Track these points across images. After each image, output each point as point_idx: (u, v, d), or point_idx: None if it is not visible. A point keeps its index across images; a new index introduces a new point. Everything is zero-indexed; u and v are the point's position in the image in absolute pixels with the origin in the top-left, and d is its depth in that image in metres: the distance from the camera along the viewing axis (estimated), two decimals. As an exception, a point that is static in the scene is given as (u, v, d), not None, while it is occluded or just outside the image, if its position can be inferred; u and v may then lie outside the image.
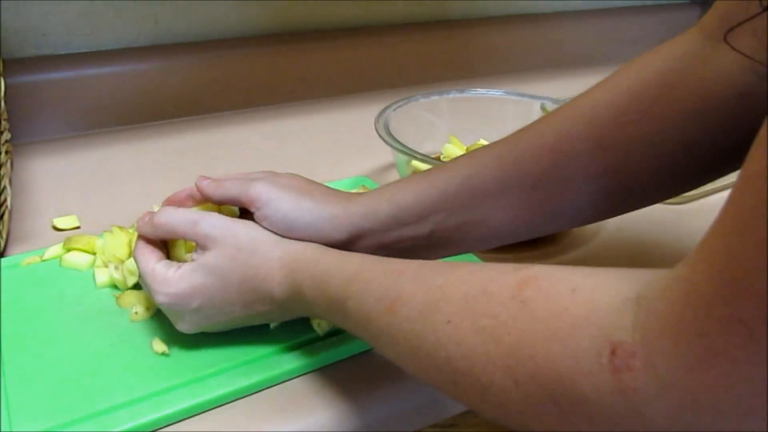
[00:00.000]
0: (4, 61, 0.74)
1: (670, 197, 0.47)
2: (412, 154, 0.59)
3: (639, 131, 0.41)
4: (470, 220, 0.43)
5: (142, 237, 0.46)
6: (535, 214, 0.43)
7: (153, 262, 0.43)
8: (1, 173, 0.59)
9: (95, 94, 0.82)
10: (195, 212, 0.44)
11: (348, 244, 0.43)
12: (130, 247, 0.53)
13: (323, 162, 0.77)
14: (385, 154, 0.74)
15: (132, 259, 0.50)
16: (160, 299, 0.42)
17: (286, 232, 0.43)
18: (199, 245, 0.43)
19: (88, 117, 0.83)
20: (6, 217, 0.58)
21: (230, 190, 0.44)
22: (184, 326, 0.44)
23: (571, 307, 0.26)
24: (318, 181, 0.69)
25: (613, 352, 0.24)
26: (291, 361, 0.43)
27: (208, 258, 0.42)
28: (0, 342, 0.45)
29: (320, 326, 0.45)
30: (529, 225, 0.45)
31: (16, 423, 0.38)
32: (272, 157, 0.78)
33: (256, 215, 0.43)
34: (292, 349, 0.45)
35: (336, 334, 0.46)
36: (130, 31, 0.85)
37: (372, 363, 0.45)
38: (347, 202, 0.44)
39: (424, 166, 0.62)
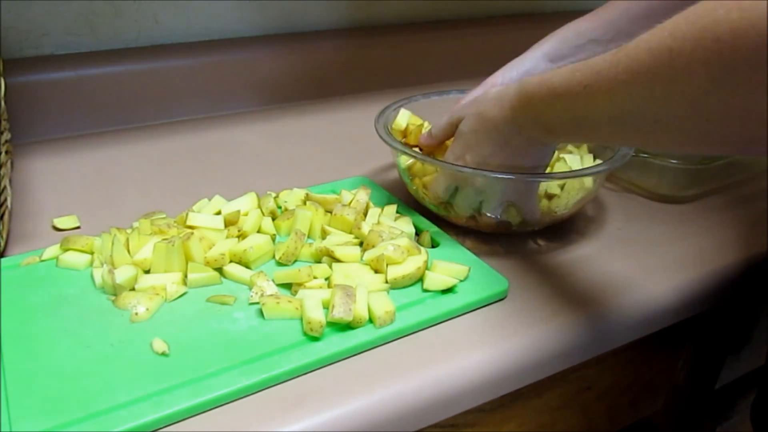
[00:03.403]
0: (4, 61, 0.75)
1: None
2: (412, 154, 0.59)
3: None
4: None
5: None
6: None
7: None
8: (1, 173, 0.59)
9: (95, 94, 0.82)
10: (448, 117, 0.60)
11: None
12: (127, 248, 0.53)
13: (323, 162, 0.77)
14: (385, 154, 0.74)
15: (126, 266, 0.51)
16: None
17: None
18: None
19: (88, 117, 0.83)
20: (6, 217, 0.58)
21: (440, 126, 0.60)
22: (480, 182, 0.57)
23: None
24: (317, 181, 0.70)
25: None
26: (291, 361, 0.43)
27: (460, 127, 0.57)
28: (0, 342, 0.45)
29: (313, 330, 0.45)
30: None
31: (16, 423, 0.38)
32: (272, 157, 0.78)
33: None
34: (292, 349, 0.45)
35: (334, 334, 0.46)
36: (130, 31, 0.86)
37: (372, 363, 0.45)
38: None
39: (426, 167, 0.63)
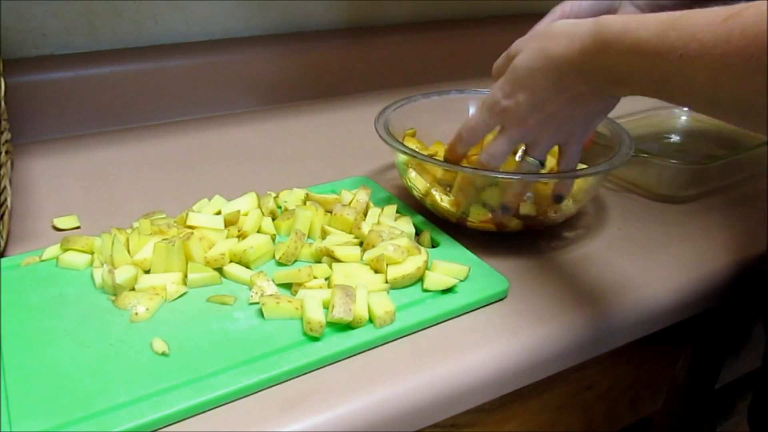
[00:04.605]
0: (4, 61, 0.74)
1: None
2: (412, 154, 0.59)
3: None
4: None
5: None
6: None
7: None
8: (1, 173, 0.59)
9: (95, 94, 0.82)
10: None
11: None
12: (127, 248, 0.53)
13: (323, 162, 0.77)
14: (385, 154, 0.74)
15: (126, 266, 0.51)
16: (487, 102, 0.53)
17: None
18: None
19: (87, 117, 0.83)
20: (6, 217, 0.58)
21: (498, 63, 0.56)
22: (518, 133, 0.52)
23: None
24: (317, 181, 0.70)
25: None
26: (291, 361, 0.43)
27: (515, 61, 0.50)
28: (0, 342, 0.45)
29: (313, 330, 0.45)
30: None
31: (16, 423, 0.38)
32: (272, 157, 0.78)
33: None
34: (292, 349, 0.45)
35: (331, 334, 0.46)
36: (130, 31, 0.86)
37: (372, 363, 0.45)
38: None
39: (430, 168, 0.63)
